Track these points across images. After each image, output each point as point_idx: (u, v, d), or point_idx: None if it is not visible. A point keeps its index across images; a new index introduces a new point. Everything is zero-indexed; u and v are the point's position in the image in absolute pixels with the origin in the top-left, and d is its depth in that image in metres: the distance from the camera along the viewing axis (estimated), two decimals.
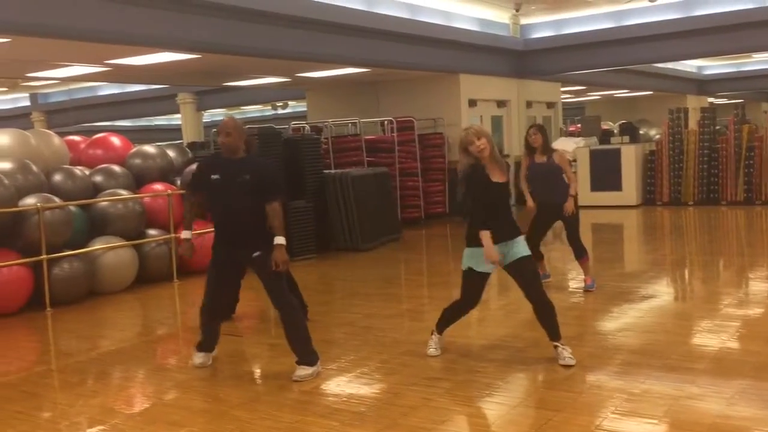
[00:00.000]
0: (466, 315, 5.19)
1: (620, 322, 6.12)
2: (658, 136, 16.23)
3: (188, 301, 8.29)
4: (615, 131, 17.18)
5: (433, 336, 5.22)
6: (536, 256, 7.30)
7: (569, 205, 7.20)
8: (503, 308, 6.86)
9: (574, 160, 14.69)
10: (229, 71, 12.48)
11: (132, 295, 8.23)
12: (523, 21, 15.06)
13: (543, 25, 15.20)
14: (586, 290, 7.14)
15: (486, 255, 4.76)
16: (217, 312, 5.24)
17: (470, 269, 4.91)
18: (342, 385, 4.74)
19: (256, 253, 4.87)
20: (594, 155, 14.64)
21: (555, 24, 15.07)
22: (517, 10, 14.04)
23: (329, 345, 5.73)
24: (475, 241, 4.81)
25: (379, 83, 14.65)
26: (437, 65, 13.45)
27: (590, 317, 6.30)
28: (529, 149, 7.26)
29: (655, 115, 22.80)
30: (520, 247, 4.91)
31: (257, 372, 5.27)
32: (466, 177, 4.94)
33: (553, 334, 4.87)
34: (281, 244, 4.81)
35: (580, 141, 15.49)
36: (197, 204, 5.37)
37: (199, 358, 5.22)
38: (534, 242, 7.19)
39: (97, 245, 8.07)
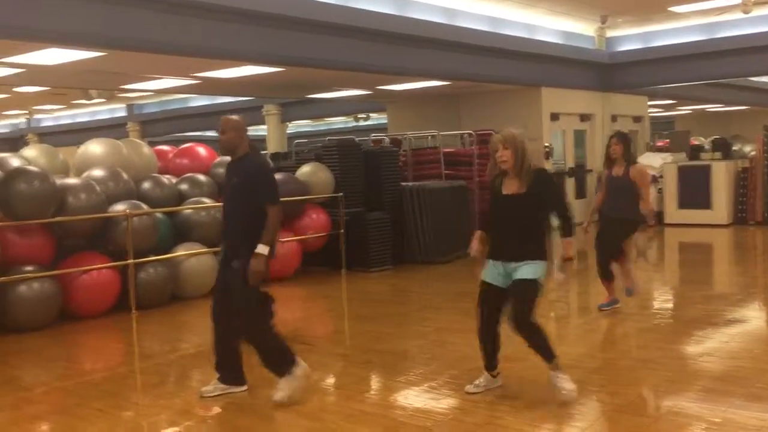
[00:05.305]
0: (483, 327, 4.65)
1: (703, 346, 5.86)
2: (753, 153, 15.54)
3: None
4: (706, 147, 16.53)
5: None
6: (604, 276, 6.96)
7: (650, 224, 6.93)
8: (580, 327, 6.70)
9: (661, 176, 14.25)
10: (311, 84, 12.72)
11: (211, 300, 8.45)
12: (609, 33, 14.74)
13: (630, 37, 14.82)
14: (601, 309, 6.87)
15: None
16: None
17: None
18: (410, 399, 4.73)
19: (235, 262, 4.53)
20: (682, 171, 14.13)
21: (643, 36, 14.66)
22: (603, 23, 13.77)
23: (400, 357, 5.74)
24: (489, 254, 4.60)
25: (460, 96, 14.62)
26: (519, 78, 13.32)
27: (671, 340, 6.06)
28: (609, 160, 6.83)
29: (750, 131, 21.79)
30: (522, 271, 4.40)
31: (327, 381, 5.31)
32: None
33: (544, 356, 4.44)
34: (260, 254, 4.45)
35: (667, 156, 14.99)
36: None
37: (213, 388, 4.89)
38: (601, 262, 6.87)
39: (180, 251, 8.35)
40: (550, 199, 4.53)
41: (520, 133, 4.47)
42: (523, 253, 4.42)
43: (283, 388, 4.53)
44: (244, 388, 4.93)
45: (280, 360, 4.60)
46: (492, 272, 4.56)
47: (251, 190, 4.60)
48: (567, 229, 4.58)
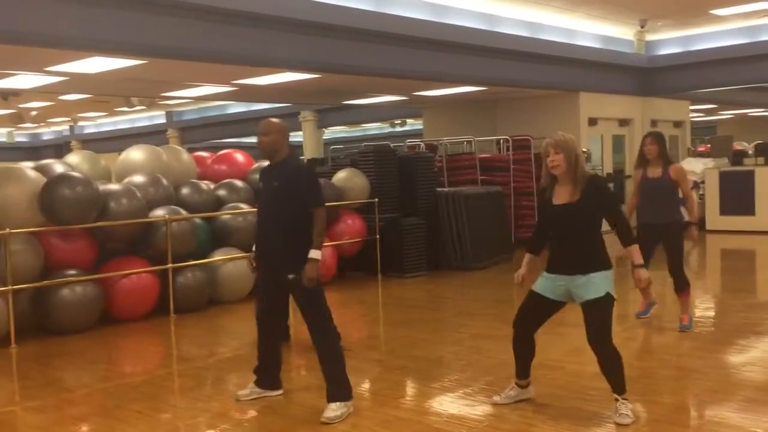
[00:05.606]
0: (519, 337, 4.60)
1: (746, 355, 5.74)
2: None
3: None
4: (749, 152, 16.21)
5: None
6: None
7: (694, 233, 6.69)
8: (618, 335, 6.52)
9: (702, 182, 14.00)
10: (348, 90, 12.79)
11: (249, 305, 8.51)
12: (649, 37, 14.54)
13: (670, 41, 14.62)
14: (681, 330, 6.40)
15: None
16: (266, 334, 4.87)
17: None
18: (444, 405, 4.72)
19: (291, 276, 4.42)
20: (724, 177, 13.88)
21: (683, 40, 14.45)
22: (642, 27, 13.60)
23: (434, 364, 5.72)
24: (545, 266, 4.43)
25: (496, 101, 14.57)
26: (557, 83, 13.22)
27: (713, 349, 5.94)
28: (643, 161, 6.51)
29: None
30: (587, 289, 4.19)
31: (362, 387, 5.32)
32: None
33: (615, 386, 4.27)
34: (314, 259, 4.36)
35: (708, 162, 14.73)
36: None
37: (247, 388, 4.96)
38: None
39: (218, 256, 8.45)
40: (606, 206, 4.28)
41: (572, 137, 4.29)
42: (585, 264, 4.21)
43: (335, 409, 4.44)
44: (280, 392, 4.98)
45: (343, 378, 4.54)
46: (545, 285, 4.39)
47: (293, 195, 4.50)
48: (629, 236, 4.32)
